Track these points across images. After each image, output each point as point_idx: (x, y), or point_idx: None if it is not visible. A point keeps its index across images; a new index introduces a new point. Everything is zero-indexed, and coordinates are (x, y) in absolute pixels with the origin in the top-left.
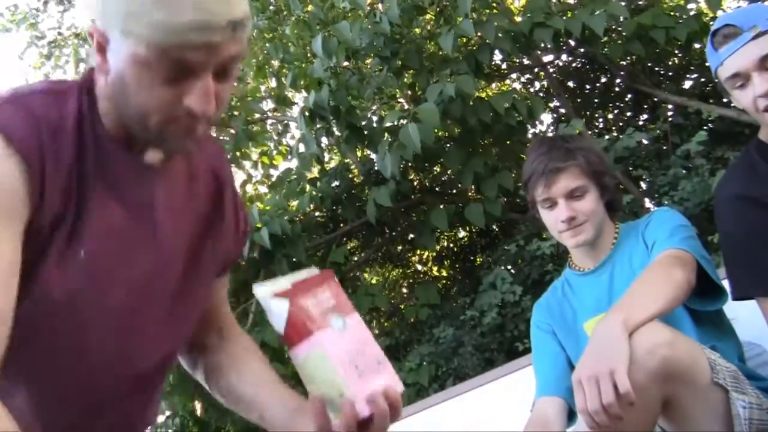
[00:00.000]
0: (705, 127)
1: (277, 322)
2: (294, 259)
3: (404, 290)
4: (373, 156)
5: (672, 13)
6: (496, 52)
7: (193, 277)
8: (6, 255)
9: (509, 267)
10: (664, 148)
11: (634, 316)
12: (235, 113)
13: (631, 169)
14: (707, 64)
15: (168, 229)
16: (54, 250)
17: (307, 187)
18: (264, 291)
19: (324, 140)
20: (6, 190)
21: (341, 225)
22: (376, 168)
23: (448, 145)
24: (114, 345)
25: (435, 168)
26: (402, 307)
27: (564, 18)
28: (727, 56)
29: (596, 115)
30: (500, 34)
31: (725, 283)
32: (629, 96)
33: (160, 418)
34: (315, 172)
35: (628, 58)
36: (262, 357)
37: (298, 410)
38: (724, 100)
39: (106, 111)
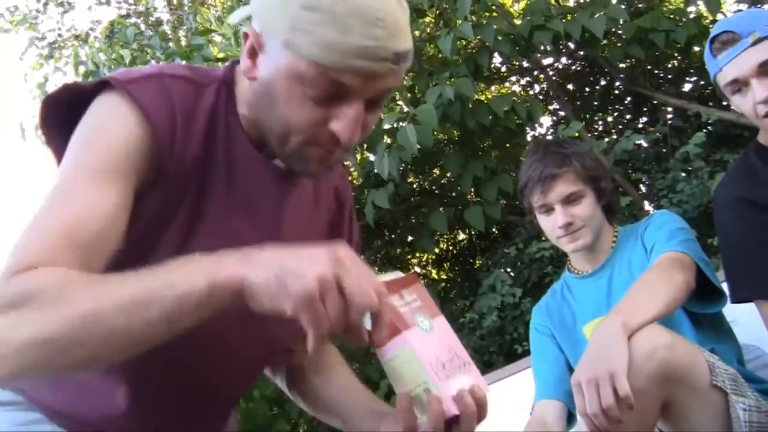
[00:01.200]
0: (704, 130)
1: (365, 319)
2: None
3: None
4: (372, 158)
5: (671, 16)
6: (496, 54)
7: None
8: (113, 208)
9: (509, 270)
10: (664, 150)
11: (633, 319)
12: None
13: (630, 171)
14: (706, 68)
15: (292, 242)
16: (167, 239)
17: None
18: None
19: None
20: (129, 151)
21: None
22: (375, 170)
23: (447, 147)
24: (215, 338)
25: (434, 171)
26: None
27: (563, 21)
28: (726, 63)
29: (596, 118)
30: (500, 37)
31: (724, 286)
32: (629, 99)
33: None
34: None
35: (628, 60)
36: (345, 363)
37: (383, 415)
38: (724, 103)
39: (244, 113)
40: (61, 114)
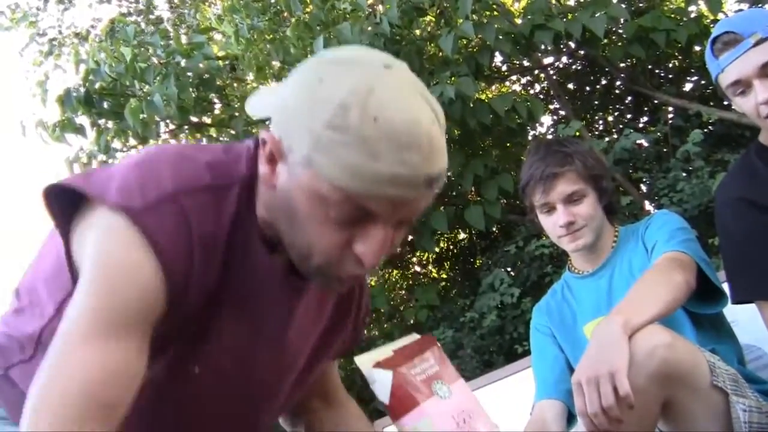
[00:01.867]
0: (705, 130)
1: (382, 392)
2: None
3: (403, 292)
4: None
5: (672, 16)
6: (497, 54)
7: (310, 371)
8: (133, 364)
9: (509, 269)
10: (665, 150)
11: (634, 319)
12: (236, 114)
13: (631, 171)
14: (708, 68)
15: (296, 344)
16: (169, 359)
17: None
18: (365, 361)
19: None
20: (149, 301)
21: None
22: None
23: (448, 146)
24: (225, 411)
25: None
26: (401, 308)
27: (564, 20)
28: (728, 64)
29: (596, 118)
30: (500, 36)
31: (725, 286)
32: (629, 98)
33: None
34: None
35: (629, 60)
36: (368, 424)
37: None
38: (725, 102)
39: (263, 215)
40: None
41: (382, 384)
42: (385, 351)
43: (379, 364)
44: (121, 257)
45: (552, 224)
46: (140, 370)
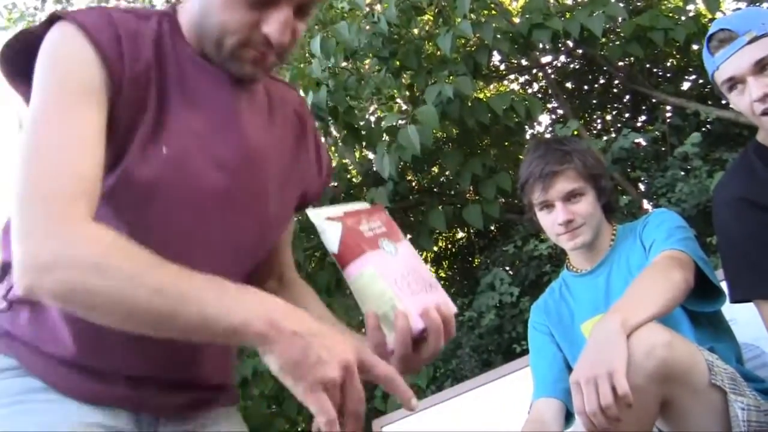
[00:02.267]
0: (703, 129)
1: (331, 242)
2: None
3: None
4: (372, 156)
5: (670, 15)
6: (495, 53)
7: (281, 191)
8: (93, 123)
9: (507, 268)
10: (663, 149)
11: (632, 318)
12: None
13: (629, 170)
14: (704, 65)
15: (255, 140)
16: (135, 146)
17: None
18: (317, 214)
19: (322, 140)
20: (86, 72)
21: None
22: (374, 169)
23: (446, 146)
24: (199, 230)
25: (433, 169)
26: None
27: (562, 19)
28: (723, 61)
29: (594, 117)
30: (498, 35)
31: (723, 285)
32: (627, 97)
33: None
34: None
35: (627, 59)
36: (319, 300)
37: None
38: (723, 101)
39: (188, 33)
40: (23, 60)
41: (332, 234)
42: (336, 210)
43: (330, 218)
44: (57, 42)
45: (551, 222)
46: (99, 131)
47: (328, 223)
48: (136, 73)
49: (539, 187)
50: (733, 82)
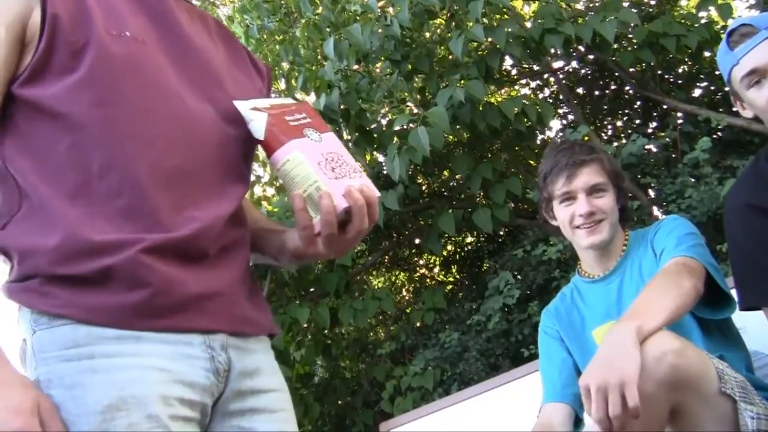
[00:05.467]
0: (714, 136)
1: (257, 130)
2: None
3: (410, 294)
4: (382, 159)
5: (683, 21)
6: (506, 57)
7: (232, 83)
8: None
9: (515, 272)
10: (673, 156)
11: (646, 325)
12: None
13: (639, 176)
14: (717, 73)
15: (196, 39)
16: (100, 28)
17: None
18: (244, 104)
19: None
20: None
21: None
22: (384, 171)
23: (456, 150)
24: (182, 102)
25: (444, 173)
26: (408, 311)
27: (575, 24)
28: (744, 54)
29: (605, 122)
30: (511, 40)
31: (733, 292)
32: (639, 103)
33: None
34: None
35: (638, 65)
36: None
37: (283, 231)
38: (734, 108)
39: None
40: None
41: (258, 123)
42: (263, 102)
43: (256, 108)
44: None
45: (570, 215)
46: (3, 63)
47: (254, 113)
48: None
49: (563, 176)
50: (754, 76)
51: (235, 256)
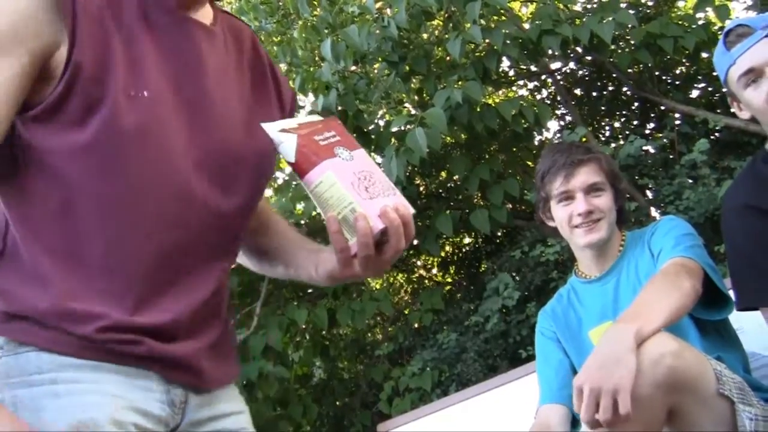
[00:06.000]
0: (711, 137)
1: (288, 152)
2: None
3: (408, 296)
4: (379, 160)
5: (680, 23)
6: (504, 58)
7: (246, 131)
8: (14, 80)
9: (513, 274)
10: (671, 157)
11: (645, 327)
12: None
13: (637, 177)
14: (715, 74)
15: (219, 89)
16: (116, 91)
17: None
18: (272, 126)
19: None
20: (21, 14)
21: None
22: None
23: (454, 151)
24: (187, 181)
25: (441, 174)
26: (406, 312)
27: (572, 26)
28: (741, 53)
29: (603, 123)
30: (508, 41)
31: (731, 293)
32: (636, 104)
33: None
34: None
35: (636, 66)
36: (278, 215)
37: (319, 251)
38: (731, 110)
39: None
40: None
41: (288, 145)
42: (291, 122)
43: (285, 130)
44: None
45: (568, 214)
46: (18, 88)
47: (284, 134)
48: (93, 17)
49: (561, 176)
50: (751, 75)
51: (209, 328)
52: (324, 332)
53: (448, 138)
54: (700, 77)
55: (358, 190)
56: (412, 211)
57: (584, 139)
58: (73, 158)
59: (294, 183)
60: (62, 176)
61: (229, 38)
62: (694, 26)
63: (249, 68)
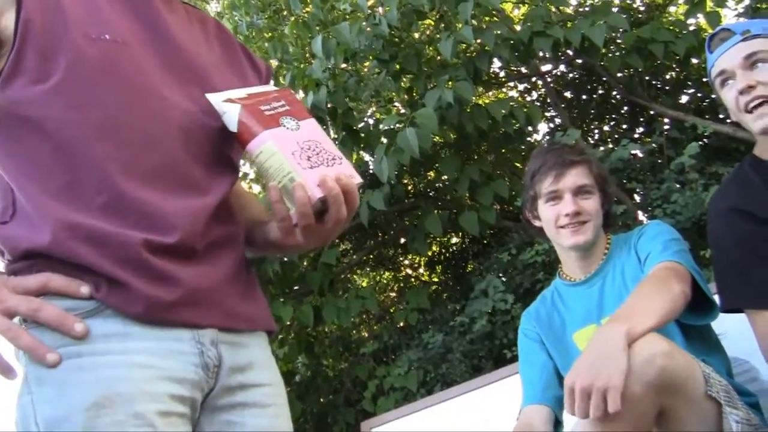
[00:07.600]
0: (700, 143)
1: (230, 122)
2: (285, 259)
3: (394, 294)
4: (368, 158)
5: (671, 28)
6: (495, 60)
7: (223, 78)
8: None
9: (500, 275)
10: (659, 161)
11: (636, 328)
12: None
13: (625, 181)
14: (704, 80)
15: (190, 46)
16: (77, 30)
17: None
18: (217, 96)
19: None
20: None
21: None
22: (371, 171)
23: (444, 150)
24: (140, 110)
25: (430, 173)
26: (392, 310)
27: (564, 28)
28: (718, 56)
29: (592, 127)
30: (499, 42)
31: (716, 297)
32: (626, 108)
33: None
34: None
35: (626, 70)
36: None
37: (268, 222)
38: (720, 116)
39: None
40: None
41: (230, 115)
42: (240, 92)
43: (230, 100)
44: None
45: (555, 214)
46: None
47: (227, 104)
48: None
49: (552, 175)
50: (725, 77)
51: (225, 253)
52: (309, 329)
53: (438, 138)
54: (689, 83)
55: (299, 160)
56: (358, 180)
57: (575, 142)
58: (47, 102)
59: None
60: (43, 122)
61: (192, 16)
62: (684, 32)
63: (216, 38)
